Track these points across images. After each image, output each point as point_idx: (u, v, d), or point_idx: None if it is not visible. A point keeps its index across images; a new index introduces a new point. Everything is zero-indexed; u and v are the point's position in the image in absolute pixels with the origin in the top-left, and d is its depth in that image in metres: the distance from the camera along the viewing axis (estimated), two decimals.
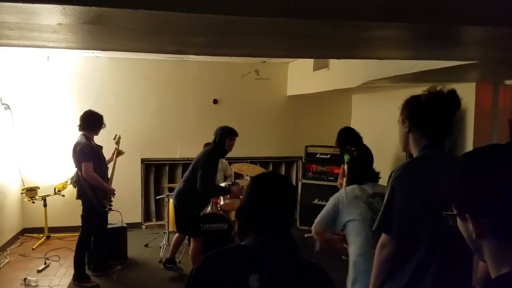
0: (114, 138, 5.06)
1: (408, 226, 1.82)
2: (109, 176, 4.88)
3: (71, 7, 1.38)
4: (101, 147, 4.69)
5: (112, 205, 4.75)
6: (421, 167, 1.88)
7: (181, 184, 4.59)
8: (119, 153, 5.07)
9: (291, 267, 1.36)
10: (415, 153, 1.96)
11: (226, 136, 4.53)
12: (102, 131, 4.67)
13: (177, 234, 4.82)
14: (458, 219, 1.00)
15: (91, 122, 4.54)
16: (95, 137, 4.63)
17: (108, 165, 4.88)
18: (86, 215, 4.57)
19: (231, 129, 4.63)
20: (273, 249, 1.37)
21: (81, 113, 4.63)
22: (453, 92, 1.89)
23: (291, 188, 1.51)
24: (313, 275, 1.37)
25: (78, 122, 4.57)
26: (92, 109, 4.66)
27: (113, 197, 4.73)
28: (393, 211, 1.85)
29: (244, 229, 1.43)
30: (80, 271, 4.52)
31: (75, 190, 4.61)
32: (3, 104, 5.73)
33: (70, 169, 4.91)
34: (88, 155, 4.42)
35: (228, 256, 1.40)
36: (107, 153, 4.94)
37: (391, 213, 1.86)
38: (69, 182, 5.61)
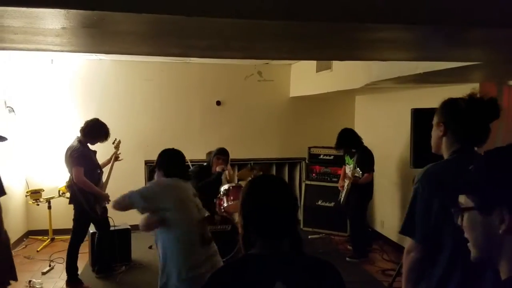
0: (113, 143, 4.98)
1: (431, 230, 1.80)
2: (104, 180, 4.77)
3: (74, 11, 1.39)
4: (94, 152, 4.66)
5: (104, 210, 4.63)
6: (445, 169, 1.84)
7: None
8: (116, 158, 4.97)
9: (307, 267, 1.36)
10: (446, 156, 1.92)
11: (214, 155, 4.64)
12: None
13: None
14: (471, 212, 0.99)
15: (93, 131, 4.50)
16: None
17: (104, 170, 4.83)
18: (76, 220, 4.54)
19: (220, 149, 4.71)
20: (284, 253, 1.36)
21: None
22: (494, 101, 1.84)
23: (286, 187, 1.46)
24: (327, 270, 1.39)
25: (82, 125, 4.54)
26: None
27: (107, 203, 4.57)
28: (416, 215, 1.84)
29: (248, 238, 1.40)
30: (72, 276, 4.52)
31: None
32: (7, 107, 5.76)
33: None
34: (78, 159, 4.36)
35: (242, 268, 1.37)
36: (105, 157, 4.92)
37: (414, 216, 1.85)
38: None
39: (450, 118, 1.89)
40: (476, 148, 1.91)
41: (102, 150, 4.90)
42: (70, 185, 4.51)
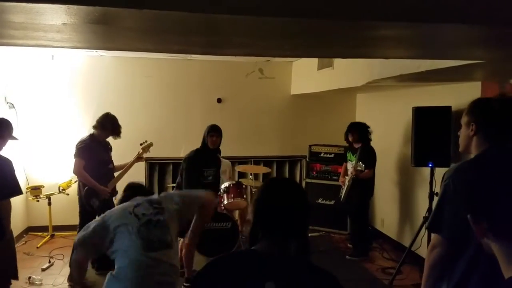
0: (142, 144, 4.95)
1: (459, 226, 1.79)
2: (115, 175, 4.78)
3: (75, 7, 1.38)
4: (109, 148, 4.70)
5: (105, 205, 4.43)
6: (475, 167, 1.85)
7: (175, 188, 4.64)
8: (139, 158, 4.93)
9: (303, 274, 1.34)
10: (475, 154, 1.93)
11: (207, 133, 4.59)
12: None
13: (183, 250, 4.52)
14: None
15: (101, 123, 4.55)
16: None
17: (120, 167, 4.85)
18: (80, 214, 4.61)
19: (211, 126, 4.65)
20: (285, 255, 1.36)
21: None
22: None
23: (303, 193, 1.49)
24: (325, 280, 1.36)
25: (94, 123, 4.60)
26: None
27: (106, 198, 4.55)
28: (445, 211, 1.85)
29: (255, 234, 1.41)
30: None
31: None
32: (7, 103, 5.75)
33: None
34: (80, 151, 4.41)
35: (238, 261, 1.38)
36: (122, 156, 4.93)
37: (443, 213, 1.86)
38: (73, 181, 5.64)
39: (483, 118, 1.89)
40: None
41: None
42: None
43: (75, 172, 4.43)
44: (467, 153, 1.98)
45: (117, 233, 2.67)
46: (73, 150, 4.53)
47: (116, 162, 4.89)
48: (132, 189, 3.05)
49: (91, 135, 4.56)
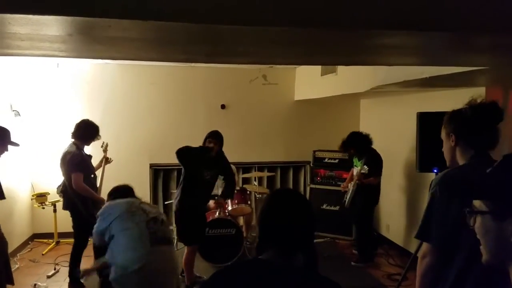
0: (102, 146, 4.97)
1: (447, 234, 1.81)
2: (98, 185, 4.71)
3: (81, 18, 1.40)
4: (90, 157, 4.64)
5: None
6: (463, 173, 1.87)
7: (178, 188, 4.58)
8: (107, 160, 4.93)
9: (309, 284, 1.34)
10: (461, 163, 1.95)
11: (206, 138, 4.58)
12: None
13: (185, 253, 4.58)
14: (484, 217, 0.99)
15: (86, 132, 4.46)
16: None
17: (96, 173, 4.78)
18: (76, 226, 4.50)
19: (211, 132, 4.59)
20: (291, 265, 1.36)
21: (91, 119, 4.60)
22: (495, 104, 1.90)
23: (307, 204, 1.49)
24: None
25: (73, 129, 4.51)
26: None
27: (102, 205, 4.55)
28: (433, 219, 1.86)
29: (263, 243, 1.42)
30: (74, 281, 4.51)
31: None
32: (13, 110, 5.78)
33: None
34: (79, 165, 4.33)
35: (245, 271, 1.38)
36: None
37: (431, 220, 1.87)
38: None
39: (459, 127, 1.93)
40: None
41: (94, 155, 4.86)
42: (65, 191, 4.44)
43: (77, 187, 4.30)
44: (455, 166, 1.99)
45: (123, 224, 3.04)
46: (64, 165, 4.39)
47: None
48: (123, 191, 3.43)
49: (76, 147, 4.44)
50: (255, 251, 1.47)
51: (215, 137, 4.52)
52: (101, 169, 4.86)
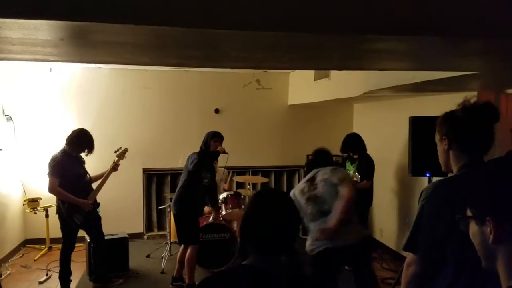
0: (117, 151, 4.79)
1: (435, 246, 1.78)
2: (94, 188, 4.63)
3: (72, 23, 1.39)
4: (82, 161, 4.58)
5: (81, 219, 4.41)
6: (453, 185, 1.81)
7: (179, 189, 4.58)
8: (116, 166, 4.75)
9: (295, 285, 1.34)
10: (454, 171, 1.90)
11: (210, 138, 4.63)
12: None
13: (180, 249, 4.68)
14: (472, 222, 0.99)
15: (77, 140, 4.43)
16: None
17: (97, 177, 4.73)
18: (61, 228, 4.50)
19: (215, 132, 4.72)
20: (276, 269, 1.34)
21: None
22: (489, 104, 1.83)
23: (291, 204, 1.47)
24: None
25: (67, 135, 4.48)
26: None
27: (89, 210, 4.43)
28: (422, 231, 1.83)
29: (245, 248, 1.40)
30: (65, 284, 4.50)
31: None
32: (5, 115, 5.75)
33: None
34: (53, 169, 4.30)
35: (231, 279, 1.36)
36: (120, 168, 4.82)
37: (419, 232, 1.83)
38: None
39: (452, 129, 1.87)
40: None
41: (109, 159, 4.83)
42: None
43: (50, 190, 4.31)
44: (450, 171, 1.94)
45: None
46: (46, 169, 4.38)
47: (117, 175, 4.86)
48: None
49: (63, 151, 4.43)
50: (238, 255, 1.44)
51: (220, 137, 4.69)
52: (105, 174, 4.71)
